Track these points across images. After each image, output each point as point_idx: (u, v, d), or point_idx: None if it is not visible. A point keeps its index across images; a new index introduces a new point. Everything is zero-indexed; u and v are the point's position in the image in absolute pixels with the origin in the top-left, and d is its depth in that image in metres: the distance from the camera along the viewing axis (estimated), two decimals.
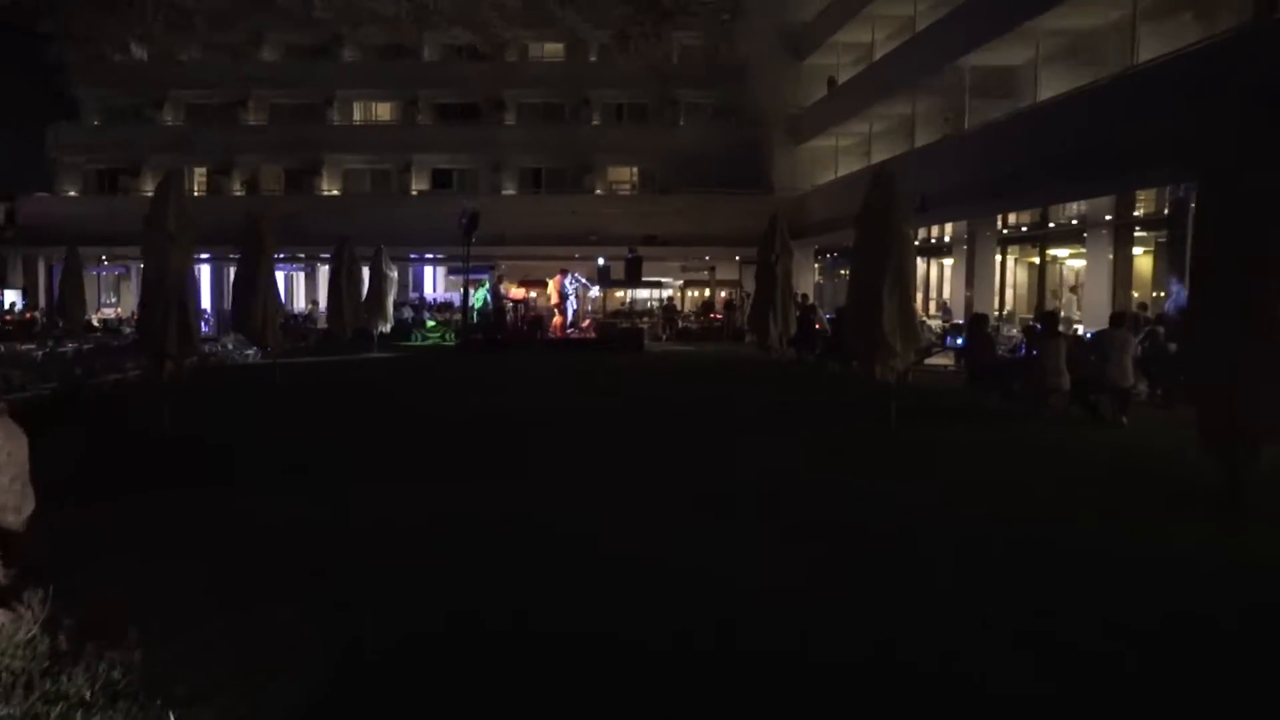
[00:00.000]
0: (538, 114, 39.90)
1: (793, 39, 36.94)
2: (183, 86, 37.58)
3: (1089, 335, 13.36)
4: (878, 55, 30.72)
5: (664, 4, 40.63)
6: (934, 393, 13.17)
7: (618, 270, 29.19)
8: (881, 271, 9.88)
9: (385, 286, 22.55)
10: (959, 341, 14.44)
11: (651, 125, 39.44)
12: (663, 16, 39.19)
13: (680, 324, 30.59)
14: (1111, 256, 19.35)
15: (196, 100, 38.16)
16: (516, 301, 24.20)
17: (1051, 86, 21.00)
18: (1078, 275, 22.73)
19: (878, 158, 31.05)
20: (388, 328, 23.01)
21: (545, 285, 25.30)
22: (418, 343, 24.69)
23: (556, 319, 24.67)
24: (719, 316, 30.79)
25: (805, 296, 30.97)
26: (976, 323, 12.16)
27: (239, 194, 35.90)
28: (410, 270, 37.56)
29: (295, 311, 31.78)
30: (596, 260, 28.73)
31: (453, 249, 33.25)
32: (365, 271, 22.53)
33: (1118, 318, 11.24)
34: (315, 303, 33.44)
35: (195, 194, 35.74)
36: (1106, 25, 20.34)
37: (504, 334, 22.98)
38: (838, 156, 34.88)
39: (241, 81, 36.84)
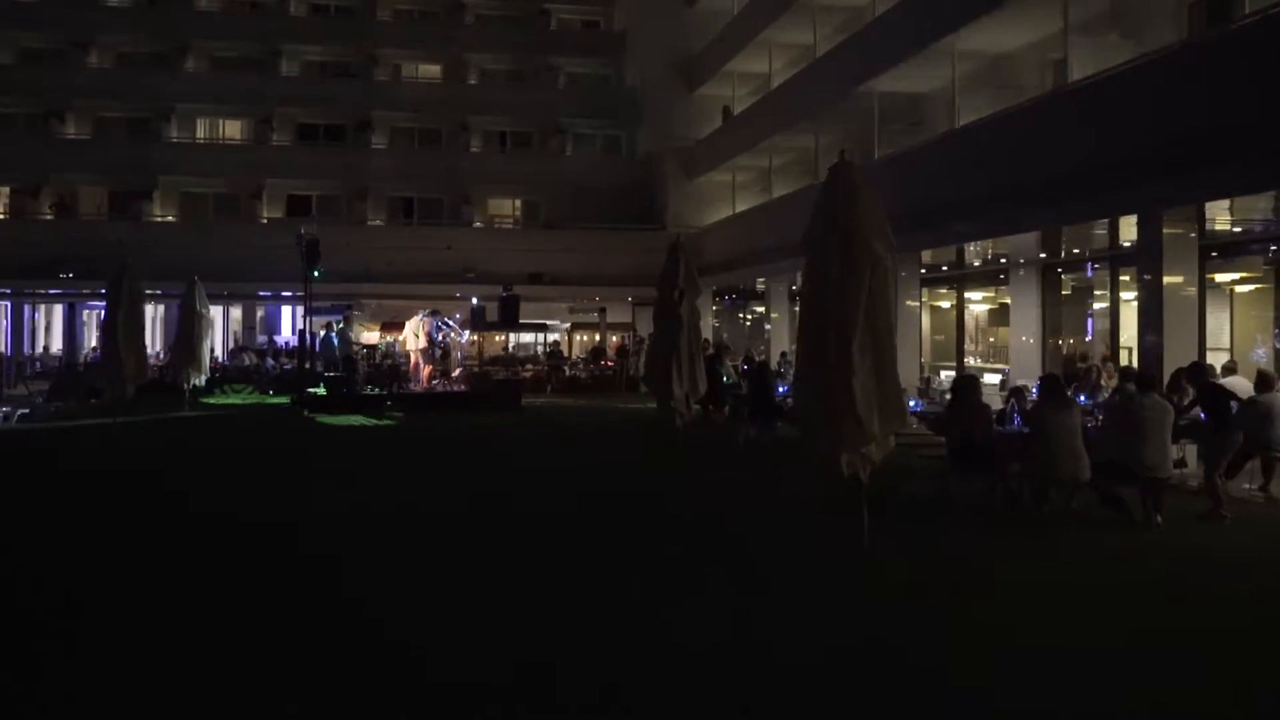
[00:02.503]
0: (411, 139, 36.38)
1: (685, 68, 34.80)
2: None
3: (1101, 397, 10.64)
4: (776, 84, 28.69)
5: (551, 29, 38.10)
6: (897, 473, 10.26)
7: (495, 311, 25.70)
8: (848, 313, 6.91)
9: (200, 329, 18.48)
10: (917, 406, 11.55)
11: (536, 155, 36.44)
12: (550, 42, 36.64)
13: (568, 372, 27.30)
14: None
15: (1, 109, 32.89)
16: (369, 348, 20.40)
17: (971, 112, 19.10)
18: (978, 321, 20.89)
19: (779, 193, 28.99)
20: (202, 379, 18.85)
21: (399, 328, 21.57)
22: (238, 399, 20.51)
23: (426, 369, 21.00)
24: (611, 364, 27.66)
25: (706, 343, 28.29)
26: (965, 386, 9.13)
27: (47, 217, 30.77)
28: (259, 309, 33.12)
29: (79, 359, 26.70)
30: (469, 299, 25.20)
31: (316, 285, 29.33)
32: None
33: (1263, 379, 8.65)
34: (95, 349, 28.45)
35: None
36: (1027, 46, 18.63)
37: (353, 388, 19.15)
38: (735, 192, 32.72)
39: (60, 88, 31.88)
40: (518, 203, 36.69)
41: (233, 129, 35.32)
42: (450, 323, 21.68)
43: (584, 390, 26.56)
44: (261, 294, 31.83)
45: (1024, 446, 8.55)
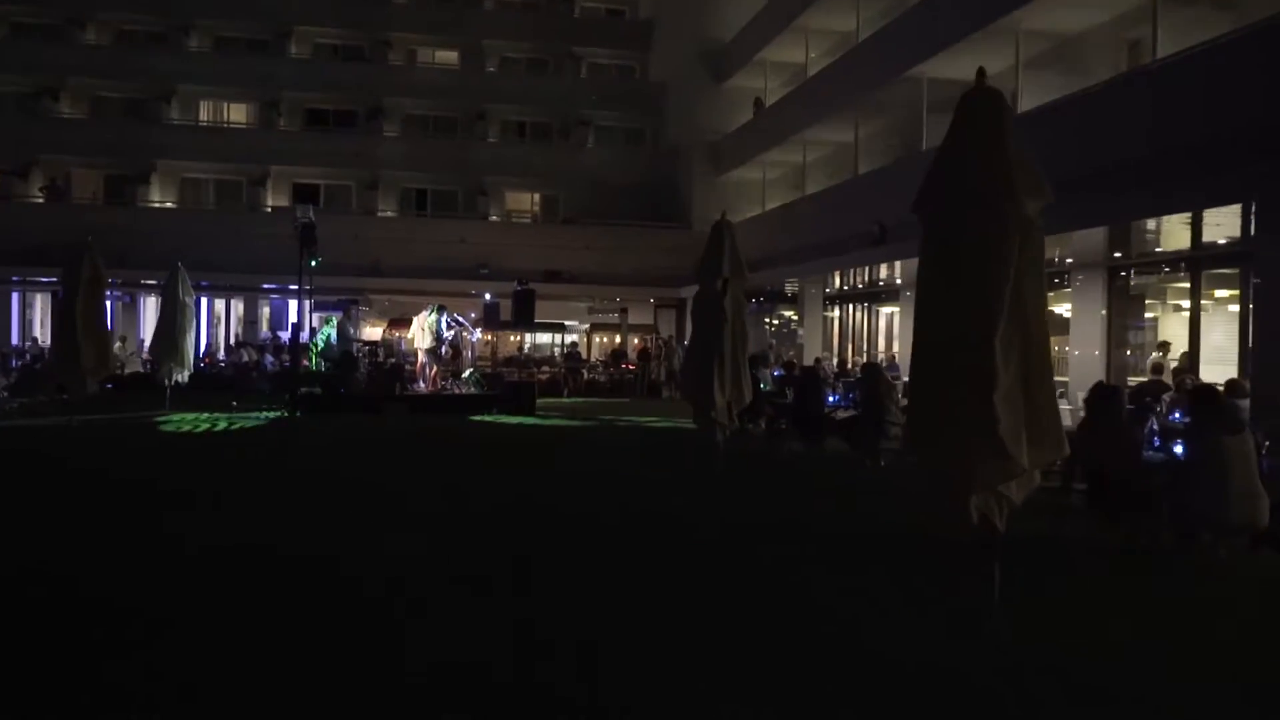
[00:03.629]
0: (424, 127, 34.67)
1: (713, 58, 32.94)
2: None
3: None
4: (812, 74, 26.85)
5: (574, 16, 36.36)
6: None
7: (510, 309, 23.86)
8: (989, 302, 5.05)
9: (182, 321, 16.68)
10: None
11: (556, 147, 34.67)
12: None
13: (587, 375, 25.48)
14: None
15: None
16: (371, 345, 18.56)
17: (1035, 96, 17.28)
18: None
19: (812, 189, 27.15)
20: (185, 376, 17.04)
21: (407, 324, 19.73)
22: (206, 424, 18.46)
23: (431, 369, 19.18)
24: (633, 367, 25.81)
25: None
26: (1104, 398, 7.01)
27: (38, 200, 29.13)
28: (262, 304, 31.42)
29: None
30: (482, 296, 23.40)
31: (321, 278, 27.66)
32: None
33: None
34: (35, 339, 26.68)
35: None
36: (1100, 25, 16.78)
37: (351, 388, 17.33)
38: (765, 189, 30.88)
39: (55, 66, 30.26)
40: (536, 197, 34.95)
41: (237, 113, 33.65)
42: (460, 319, 19.85)
43: (603, 394, 24.74)
44: (266, 287, 30.17)
45: (1176, 479, 6.63)
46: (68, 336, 12.10)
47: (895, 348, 23.94)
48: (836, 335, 26.91)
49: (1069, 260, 16.26)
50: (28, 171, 29.42)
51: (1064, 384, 16.13)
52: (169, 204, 31.20)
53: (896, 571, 6.66)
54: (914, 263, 21.37)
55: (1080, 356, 16.11)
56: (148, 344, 21.42)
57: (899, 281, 22.61)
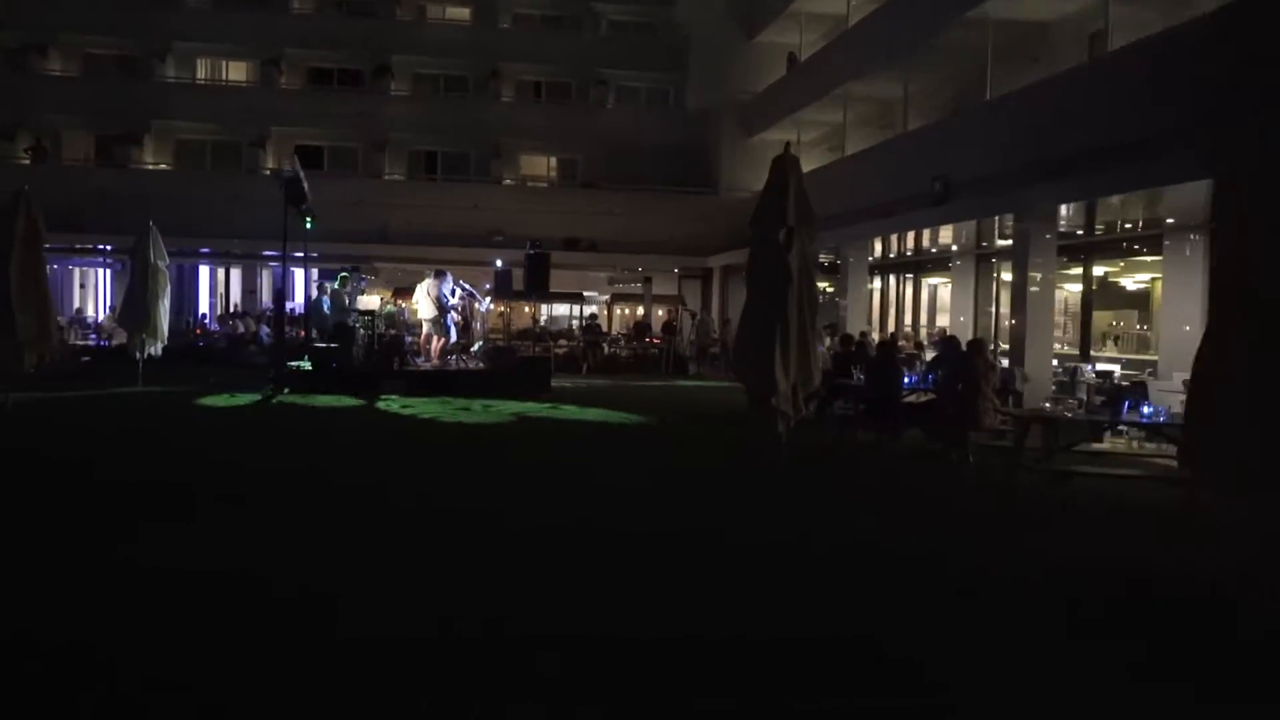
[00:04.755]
0: (435, 86, 32.68)
1: (743, 11, 30.71)
2: None
3: None
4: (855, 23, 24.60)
5: None
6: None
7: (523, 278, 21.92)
8: None
9: (154, 286, 14.92)
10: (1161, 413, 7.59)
11: (574, 108, 32.59)
12: None
13: (607, 349, 23.60)
14: None
15: None
16: (368, 314, 16.68)
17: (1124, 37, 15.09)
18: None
19: (853, 150, 25.01)
20: (158, 348, 15.25)
21: (412, 293, 17.84)
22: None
23: (436, 342, 17.32)
24: (658, 341, 23.89)
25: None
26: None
27: (23, 162, 27.35)
28: (262, 270, 29.68)
29: None
30: (494, 263, 21.48)
31: (324, 245, 25.92)
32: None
33: None
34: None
35: None
36: None
37: (345, 363, 15.46)
38: (799, 152, 28.67)
39: (43, 22, 28.40)
40: (552, 160, 32.95)
41: (236, 71, 31.73)
42: (468, 287, 17.94)
43: (625, 370, 22.86)
44: (267, 254, 28.39)
45: None
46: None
47: (944, 321, 21.94)
48: (877, 308, 24.93)
49: (1169, 221, 14.12)
50: (14, 133, 27.66)
51: (1150, 364, 14.12)
52: (164, 165, 29.39)
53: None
54: (969, 225, 19.02)
55: (1172, 333, 13.99)
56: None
57: (954, 248, 20.53)
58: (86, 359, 18.60)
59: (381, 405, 14.00)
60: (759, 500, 7.77)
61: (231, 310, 27.31)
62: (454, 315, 17.24)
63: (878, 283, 24.96)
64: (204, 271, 30.86)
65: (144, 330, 14.66)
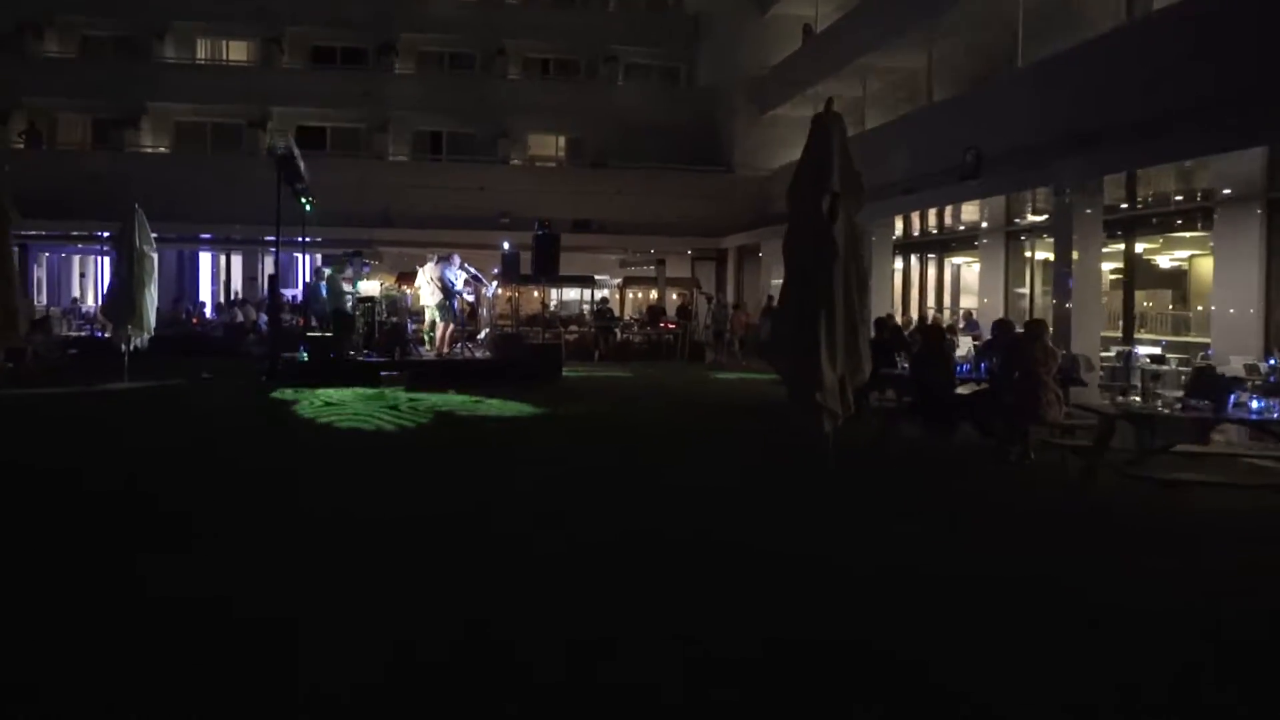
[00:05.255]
0: (440, 64, 31.73)
1: None
2: None
3: None
4: None
5: None
6: None
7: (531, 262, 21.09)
8: None
9: (140, 273, 14.11)
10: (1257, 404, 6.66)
11: (583, 85, 31.60)
12: None
13: (620, 335, 22.75)
14: None
15: None
16: (367, 300, 15.82)
17: None
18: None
19: (873, 125, 24.03)
20: (144, 340, 14.44)
21: (415, 277, 16.96)
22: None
23: (441, 328, 16.49)
24: (673, 326, 23.03)
25: None
26: None
27: (18, 146, 26.55)
28: (264, 257, 28.87)
29: None
30: (500, 245, 20.60)
31: (326, 230, 25.11)
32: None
33: None
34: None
35: None
36: None
37: (343, 353, 14.59)
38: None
39: (40, 2, 27.56)
40: (561, 139, 32.03)
41: (236, 51, 30.87)
42: (473, 269, 17.06)
43: (638, 357, 22.01)
44: (269, 240, 27.59)
45: None
46: None
47: (969, 303, 21.00)
48: (899, 290, 23.97)
49: (1226, 192, 13.13)
50: (8, 116, 26.87)
51: (1201, 345, 13.19)
52: (163, 149, 28.58)
53: None
54: (997, 201, 18.03)
55: (1226, 314, 13.04)
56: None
57: (983, 225, 19.56)
58: (74, 350, 17.81)
59: (380, 396, 13.20)
60: (813, 510, 6.87)
61: (231, 298, 26.51)
62: (459, 300, 16.40)
63: (899, 263, 24.03)
64: (205, 259, 30.14)
65: (130, 320, 13.86)
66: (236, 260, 29.53)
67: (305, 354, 14.99)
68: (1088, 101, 14.18)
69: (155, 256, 14.85)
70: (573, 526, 6.28)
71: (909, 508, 7.04)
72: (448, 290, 15.81)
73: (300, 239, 21.18)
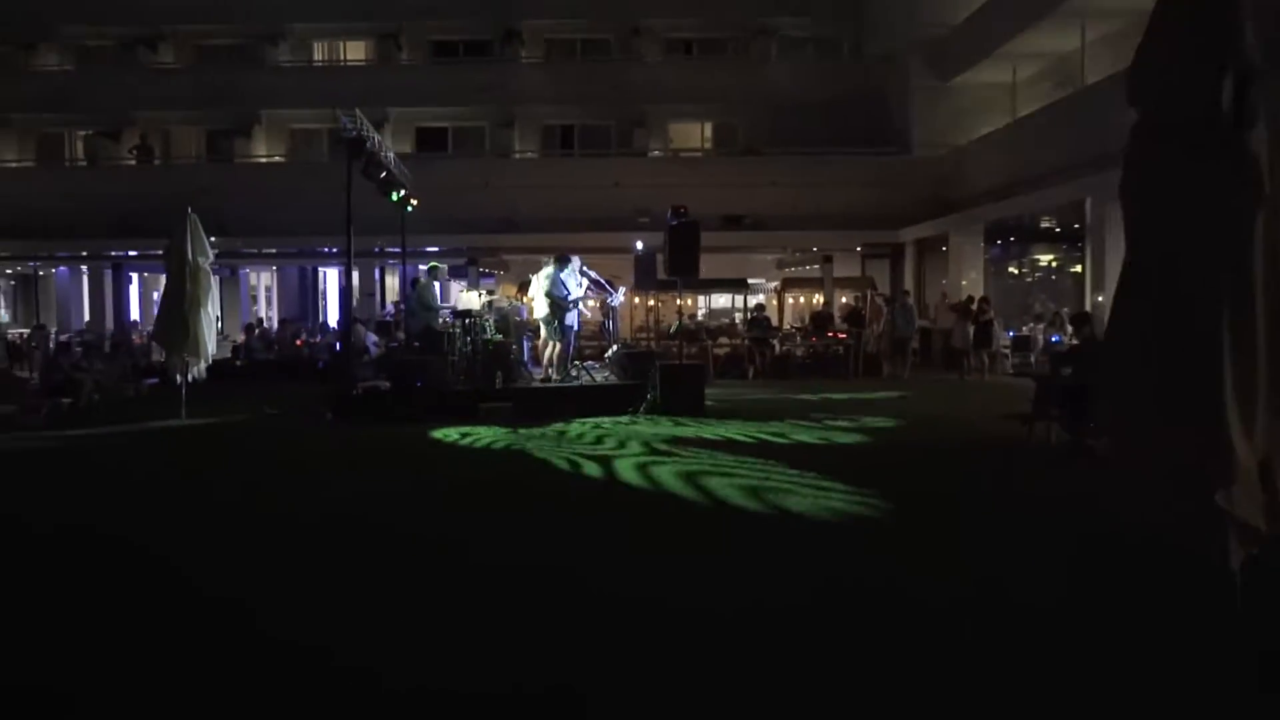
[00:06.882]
0: (570, 51, 28.78)
1: None
2: (66, 20, 27.15)
3: None
4: None
5: None
6: None
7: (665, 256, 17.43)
8: None
9: (195, 290, 11.48)
10: None
11: (731, 64, 27.86)
12: None
13: (780, 348, 18.71)
14: None
15: (86, 40, 27.81)
16: (465, 315, 12.32)
17: None
18: None
19: (1094, 79, 19.02)
20: (202, 367, 11.80)
21: (528, 286, 13.54)
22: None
23: (550, 348, 12.97)
24: (842, 335, 18.77)
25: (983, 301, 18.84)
26: None
27: (129, 162, 25.31)
28: (386, 270, 26.59)
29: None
30: (634, 245, 17.10)
31: (442, 238, 22.56)
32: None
33: None
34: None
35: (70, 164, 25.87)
36: None
37: (432, 380, 11.24)
38: (1015, 92, 22.89)
39: (150, 13, 26.40)
40: (707, 127, 28.40)
41: (354, 51, 28.97)
42: (593, 273, 13.50)
43: (802, 374, 17.91)
44: (390, 250, 25.33)
45: None
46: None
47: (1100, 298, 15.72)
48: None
49: None
50: (119, 132, 25.79)
51: None
52: (278, 158, 26.82)
53: None
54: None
55: None
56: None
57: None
58: (153, 380, 15.57)
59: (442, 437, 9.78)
60: None
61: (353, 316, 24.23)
62: (575, 313, 12.86)
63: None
64: (332, 274, 28.34)
65: (182, 347, 11.27)
66: (354, 275, 27.48)
67: (387, 382, 11.85)
68: None
69: (210, 269, 12.24)
70: None
71: None
72: (557, 302, 12.27)
73: (399, 248, 18.46)
